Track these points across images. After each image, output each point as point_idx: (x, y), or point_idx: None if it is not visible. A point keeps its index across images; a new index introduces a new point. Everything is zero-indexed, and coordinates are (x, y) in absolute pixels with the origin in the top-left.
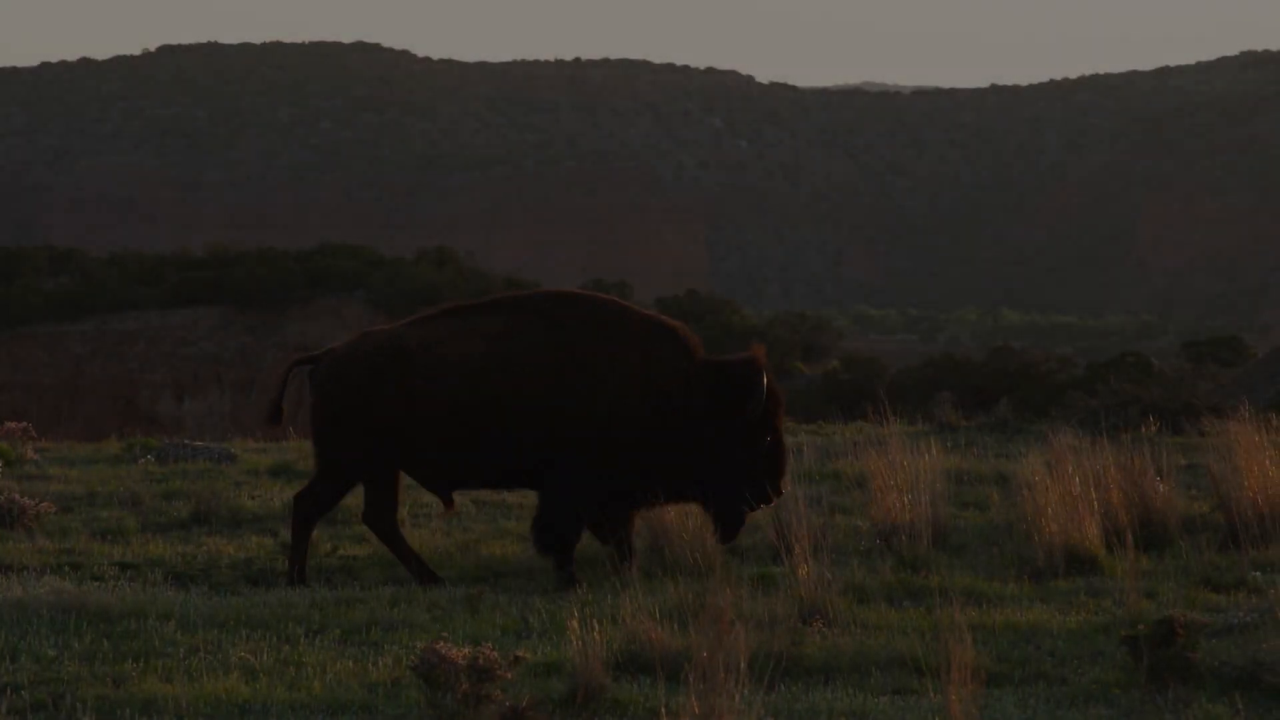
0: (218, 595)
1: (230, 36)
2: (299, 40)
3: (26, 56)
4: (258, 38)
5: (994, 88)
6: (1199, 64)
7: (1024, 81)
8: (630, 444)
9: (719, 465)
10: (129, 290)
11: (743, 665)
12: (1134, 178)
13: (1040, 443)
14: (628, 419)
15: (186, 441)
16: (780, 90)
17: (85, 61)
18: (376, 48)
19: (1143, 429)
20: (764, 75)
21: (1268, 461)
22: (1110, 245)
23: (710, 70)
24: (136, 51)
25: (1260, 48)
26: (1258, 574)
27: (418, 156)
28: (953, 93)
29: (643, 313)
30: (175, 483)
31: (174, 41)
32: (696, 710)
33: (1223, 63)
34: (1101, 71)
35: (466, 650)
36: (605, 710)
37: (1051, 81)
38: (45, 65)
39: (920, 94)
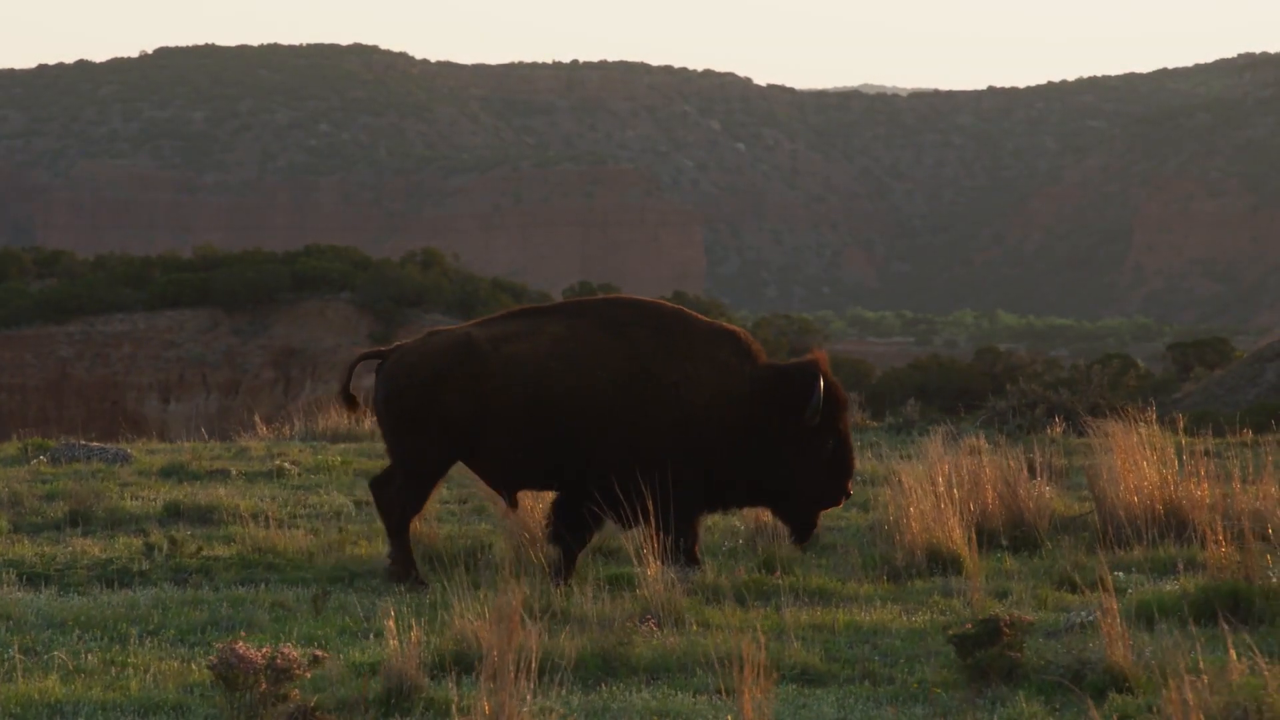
0: (65, 596)
1: (228, 39)
2: (296, 42)
3: (24, 58)
4: (255, 40)
5: (991, 90)
6: (1196, 66)
7: (1021, 84)
8: (700, 450)
9: (783, 469)
10: (115, 292)
11: (534, 664)
12: (1131, 180)
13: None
14: (697, 426)
15: (83, 442)
16: (778, 92)
17: (83, 64)
18: (374, 50)
19: (1049, 430)
20: (761, 77)
21: (1145, 463)
22: (1107, 247)
23: (708, 72)
24: (134, 54)
25: (1258, 50)
26: (1119, 574)
27: (415, 158)
28: (950, 95)
29: (704, 319)
30: (61, 483)
31: (171, 44)
32: (486, 709)
33: (1220, 65)
34: (1099, 74)
35: (266, 650)
36: (418, 710)
37: (1049, 84)
38: (43, 67)
39: (918, 96)
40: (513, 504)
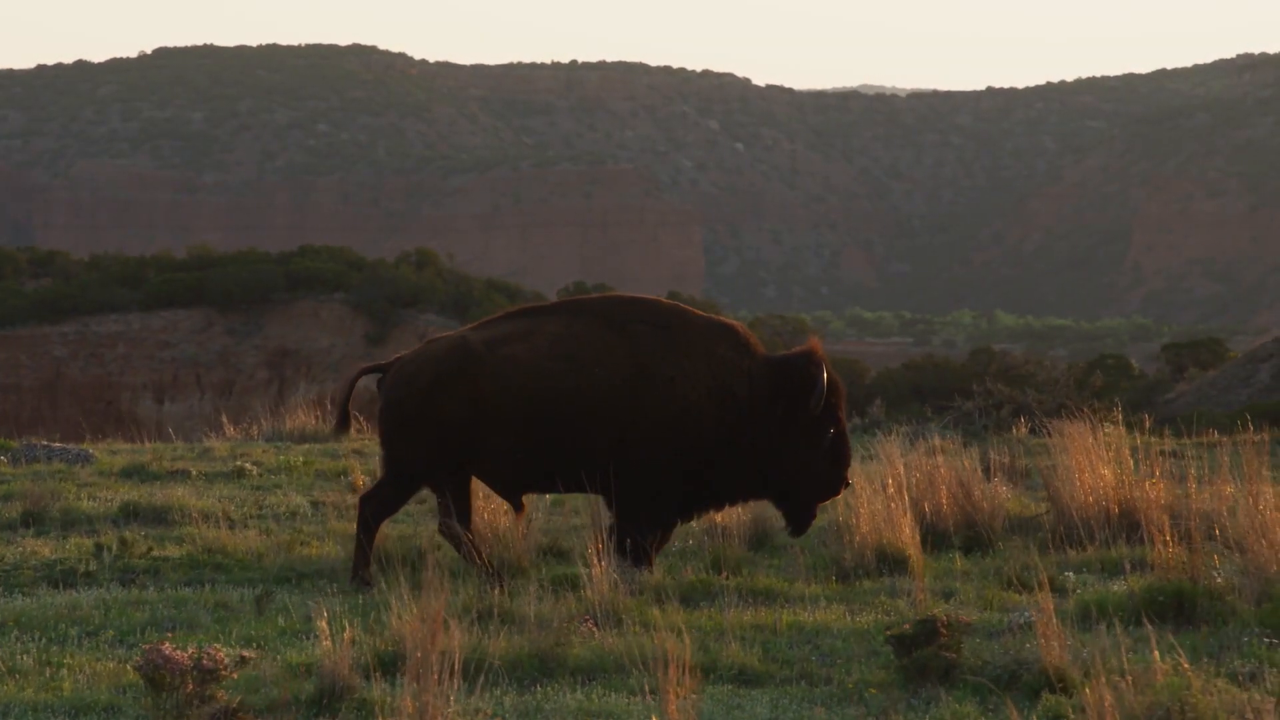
0: (9, 597)
1: (227, 39)
2: (296, 43)
3: (23, 59)
4: (254, 40)
5: (990, 90)
6: (1195, 66)
7: (1020, 84)
8: (699, 446)
9: (784, 461)
10: (109, 292)
11: (457, 665)
12: (1130, 180)
13: (912, 444)
14: (697, 421)
15: (45, 443)
16: (777, 93)
17: (82, 64)
18: (373, 50)
19: (1013, 430)
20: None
21: (1100, 464)
22: (1106, 247)
23: (707, 73)
24: (133, 54)
25: (1257, 50)
26: (1070, 574)
27: (414, 159)
28: (949, 95)
29: (703, 314)
30: (20, 484)
31: (170, 44)
32: (410, 709)
33: (1219, 65)
34: (1098, 74)
35: (192, 651)
36: (349, 711)
37: (1048, 84)
38: (42, 68)
39: (917, 96)
40: (519, 507)
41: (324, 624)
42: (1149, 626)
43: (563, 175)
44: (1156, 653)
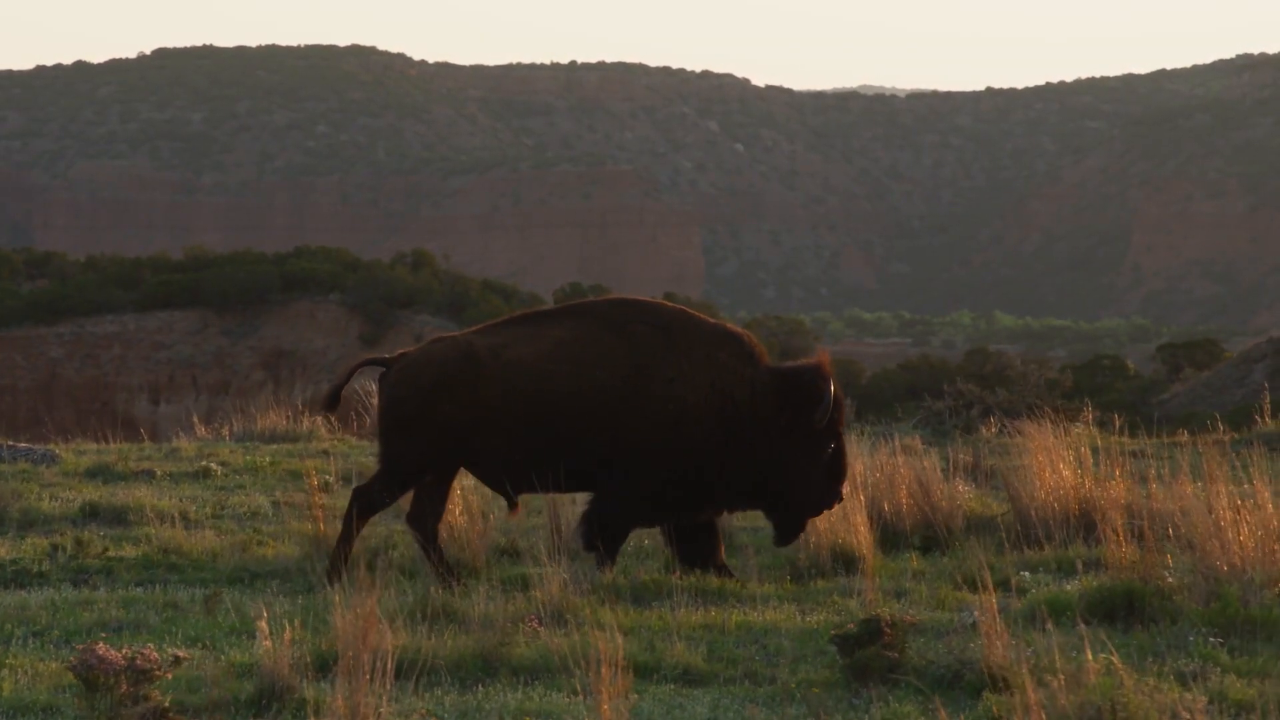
0: None
1: (226, 40)
2: (295, 44)
3: (22, 59)
4: (253, 41)
5: (990, 91)
6: (1195, 67)
7: (1020, 84)
8: (695, 450)
9: (782, 471)
10: (105, 293)
11: (390, 664)
12: (1129, 180)
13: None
14: (694, 424)
15: (11, 443)
16: (776, 93)
17: (81, 65)
18: (372, 51)
19: (983, 430)
20: (760, 78)
21: (1061, 464)
22: (1106, 248)
23: (706, 73)
24: (132, 55)
25: (1256, 51)
26: (1025, 574)
27: (413, 160)
28: (949, 96)
29: (708, 320)
30: None
31: (170, 45)
32: (342, 709)
33: (1219, 66)
34: (1097, 75)
35: (126, 651)
36: (288, 710)
37: (1047, 84)
38: (41, 68)
39: (916, 97)
40: (514, 506)
41: (264, 624)
42: (1084, 626)
43: (562, 176)
44: (1089, 652)
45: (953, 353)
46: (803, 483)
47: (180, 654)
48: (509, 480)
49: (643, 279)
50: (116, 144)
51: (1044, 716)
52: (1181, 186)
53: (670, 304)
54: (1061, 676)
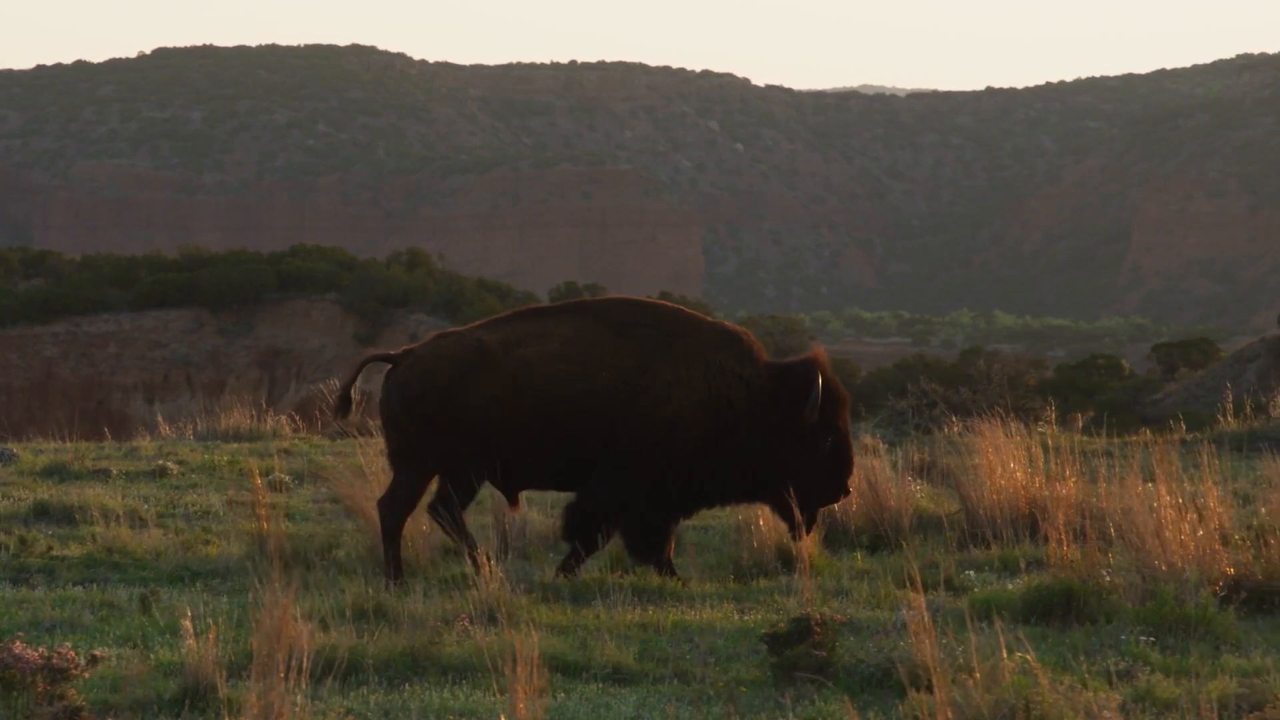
0: None
1: (226, 39)
2: (295, 43)
3: (22, 59)
4: (254, 40)
5: (990, 90)
6: (1195, 67)
7: (1020, 84)
8: (686, 452)
9: (783, 467)
10: (101, 292)
11: (305, 663)
12: (1130, 180)
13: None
14: (687, 428)
15: None
16: (776, 93)
17: (81, 64)
18: (372, 50)
19: (945, 428)
20: (760, 78)
21: (1013, 463)
22: (1106, 248)
23: (706, 73)
24: (132, 54)
25: (1256, 50)
26: (970, 573)
27: (413, 159)
28: (949, 95)
29: (706, 319)
30: None
31: (170, 44)
32: (255, 706)
33: (1219, 65)
34: (1098, 74)
35: (43, 650)
36: (211, 709)
37: (1048, 84)
38: (41, 68)
39: (916, 96)
40: (514, 502)
41: (188, 623)
42: (998, 624)
43: (562, 175)
44: (1005, 651)
45: (951, 352)
46: (802, 477)
47: (98, 653)
48: (514, 476)
49: (643, 278)
50: (117, 143)
51: (950, 715)
52: (1182, 186)
53: (668, 304)
54: (977, 675)
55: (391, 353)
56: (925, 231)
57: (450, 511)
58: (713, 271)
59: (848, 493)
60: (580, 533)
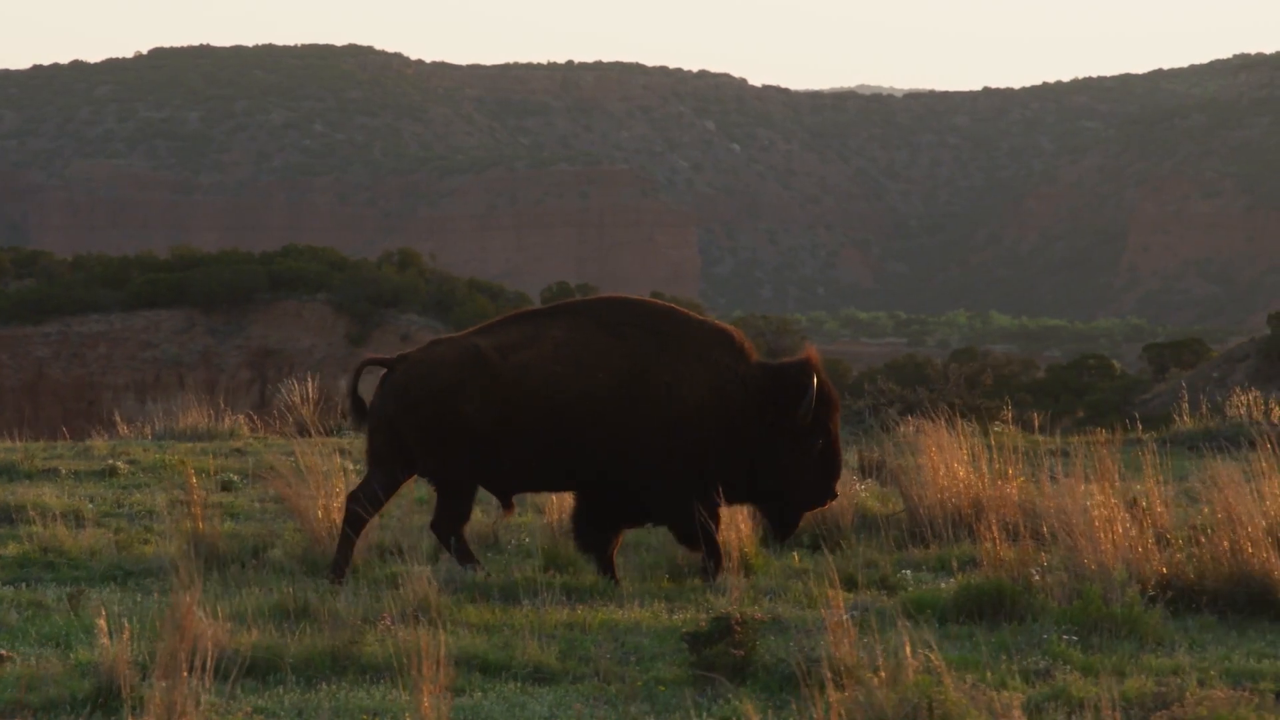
0: None
1: (223, 39)
2: (292, 43)
3: (19, 59)
4: (251, 40)
5: (987, 90)
6: (1192, 67)
7: (1017, 84)
8: (694, 449)
9: (774, 467)
10: (92, 292)
11: (209, 661)
12: (1126, 180)
13: None
14: (693, 425)
15: None
16: (773, 93)
17: (78, 64)
18: (369, 50)
19: (900, 428)
20: (757, 78)
21: (956, 463)
22: (1103, 248)
23: (703, 73)
24: (129, 54)
25: (1253, 51)
26: (907, 572)
27: (411, 159)
28: (946, 95)
29: (699, 318)
30: None
31: (167, 44)
32: (158, 705)
33: (1215, 66)
34: (1094, 74)
35: None
36: (125, 708)
37: (1044, 84)
38: (38, 68)
39: (913, 97)
40: (508, 506)
41: (103, 623)
42: (903, 624)
43: (559, 176)
44: (909, 648)
45: (946, 353)
46: (792, 479)
47: (4, 653)
48: (510, 480)
49: (639, 278)
50: (113, 143)
51: (844, 713)
52: (1178, 186)
53: (660, 302)
54: (882, 674)
55: (387, 357)
56: (922, 232)
57: (456, 530)
58: (709, 272)
59: (835, 496)
60: (694, 542)
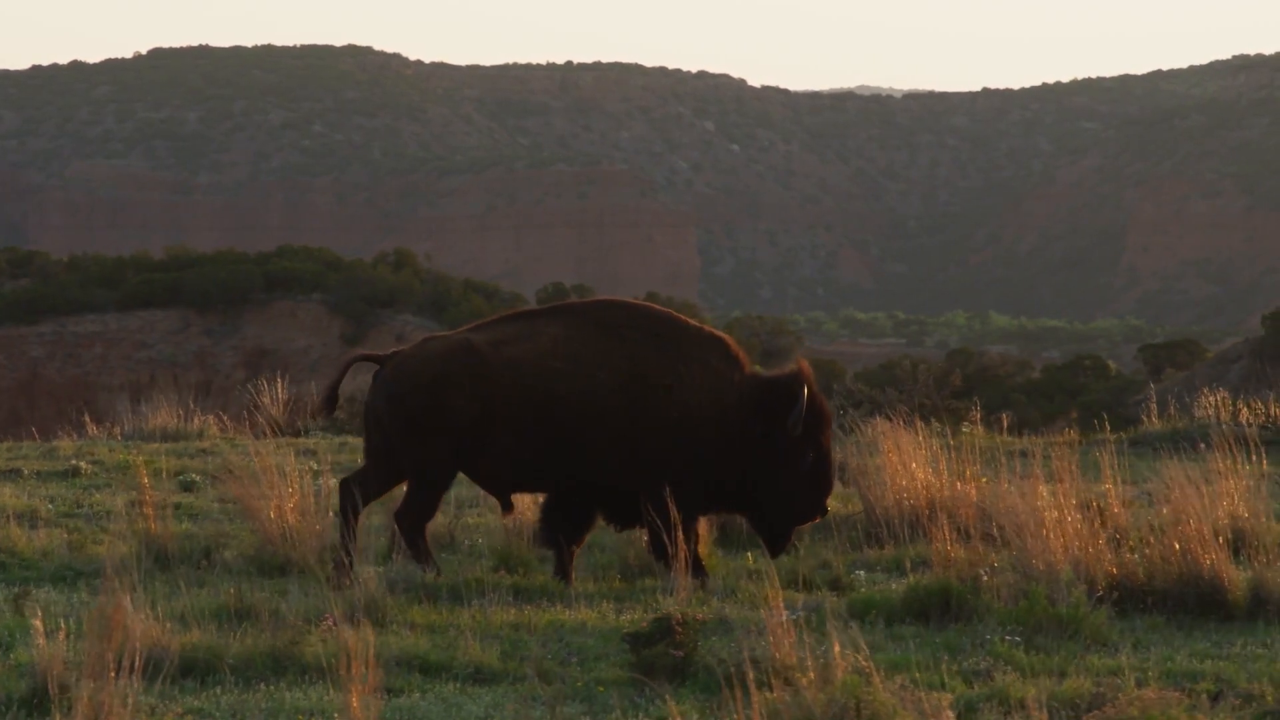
0: None
1: (222, 39)
2: (291, 43)
3: (18, 59)
4: (249, 41)
5: (986, 91)
6: (1191, 67)
7: (1016, 85)
8: (694, 454)
9: (763, 478)
10: (87, 292)
11: (139, 662)
12: (1125, 181)
13: None
14: (693, 429)
15: None
16: (772, 94)
17: (77, 64)
18: (368, 51)
19: (870, 428)
20: (756, 79)
21: (914, 464)
22: (1102, 248)
23: (702, 74)
24: (128, 54)
25: (1252, 51)
26: (860, 573)
27: (409, 160)
28: (945, 96)
29: (694, 323)
30: None
31: (166, 44)
32: (86, 705)
33: (1214, 66)
34: (1093, 75)
35: None
36: (59, 709)
37: (1043, 85)
38: (37, 68)
39: (912, 97)
40: (508, 506)
41: (39, 623)
42: (832, 626)
43: (558, 176)
44: (837, 648)
45: (944, 353)
46: (782, 491)
47: None
48: (506, 479)
49: (638, 279)
50: (112, 144)
51: (764, 713)
52: (1177, 187)
53: (658, 307)
54: (811, 675)
55: (379, 353)
56: (921, 232)
57: (420, 525)
58: (708, 272)
59: (825, 512)
60: (663, 550)
